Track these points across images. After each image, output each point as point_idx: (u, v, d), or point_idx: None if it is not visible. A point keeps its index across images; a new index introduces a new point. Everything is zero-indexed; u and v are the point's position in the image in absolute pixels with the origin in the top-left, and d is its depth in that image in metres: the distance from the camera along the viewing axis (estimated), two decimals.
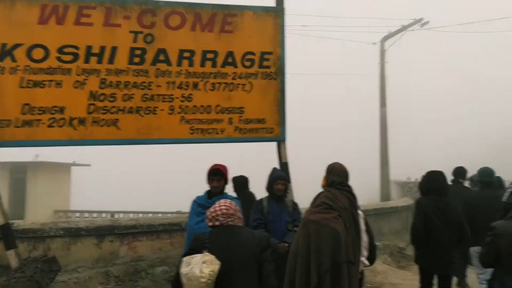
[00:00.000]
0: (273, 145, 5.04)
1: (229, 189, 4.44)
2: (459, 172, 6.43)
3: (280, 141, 4.92)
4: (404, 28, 15.17)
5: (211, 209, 2.54)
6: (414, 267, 8.43)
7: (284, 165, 4.90)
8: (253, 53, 4.73)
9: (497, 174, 5.51)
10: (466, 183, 6.53)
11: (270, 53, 4.80)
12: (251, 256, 2.41)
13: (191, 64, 4.62)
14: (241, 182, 5.08)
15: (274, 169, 4.29)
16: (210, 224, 2.50)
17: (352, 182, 3.26)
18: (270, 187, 4.04)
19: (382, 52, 15.42)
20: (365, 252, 3.08)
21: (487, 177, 5.39)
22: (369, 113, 18.39)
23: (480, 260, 3.39)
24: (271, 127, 4.82)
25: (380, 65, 15.22)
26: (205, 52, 4.65)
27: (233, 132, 4.69)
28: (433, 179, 4.57)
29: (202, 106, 4.62)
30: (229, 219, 2.49)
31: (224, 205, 2.52)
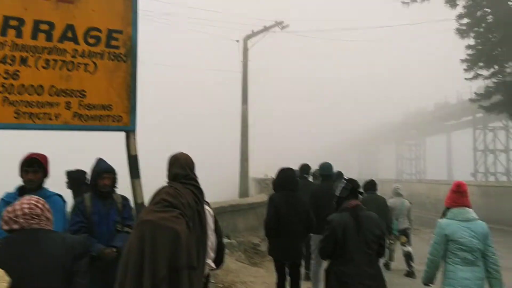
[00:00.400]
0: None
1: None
2: (304, 168, 7.03)
3: (129, 131, 4.35)
4: (265, 29, 15.70)
5: (9, 209, 2.00)
6: (267, 264, 8.65)
7: (133, 158, 4.36)
8: (98, 30, 4.10)
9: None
10: (310, 178, 7.22)
11: (119, 31, 4.23)
12: (58, 268, 1.97)
13: (19, 35, 3.80)
14: (78, 179, 4.36)
15: (99, 160, 3.74)
16: (6, 227, 1.97)
17: (213, 177, 3.01)
18: (94, 182, 3.53)
19: (245, 51, 15.72)
20: (211, 254, 2.82)
21: (326, 171, 6.12)
22: (232, 109, 18.72)
23: (320, 253, 3.61)
24: (118, 115, 4.23)
25: (242, 63, 15.51)
26: (37, 22, 3.86)
27: (71, 118, 3.98)
28: (283, 176, 4.89)
29: (31, 86, 3.83)
30: (34, 221, 1.99)
31: (28, 203, 2.01)
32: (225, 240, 8.91)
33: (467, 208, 3.72)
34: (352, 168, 50.36)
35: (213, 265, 2.86)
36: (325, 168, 6.16)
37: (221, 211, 9.35)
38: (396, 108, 52.79)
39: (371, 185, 6.88)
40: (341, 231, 3.35)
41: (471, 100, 17.85)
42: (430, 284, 3.93)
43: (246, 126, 15.50)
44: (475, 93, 17.78)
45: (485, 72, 16.36)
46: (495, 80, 16.49)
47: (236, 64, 16.00)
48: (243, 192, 15.22)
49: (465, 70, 16.46)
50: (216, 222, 3.00)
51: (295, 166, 6.09)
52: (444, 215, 3.97)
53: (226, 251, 8.19)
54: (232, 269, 7.37)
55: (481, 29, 15.92)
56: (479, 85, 32.29)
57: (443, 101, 37.68)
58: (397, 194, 8.01)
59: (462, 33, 16.48)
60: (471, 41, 16.16)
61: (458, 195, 3.75)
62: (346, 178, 3.86)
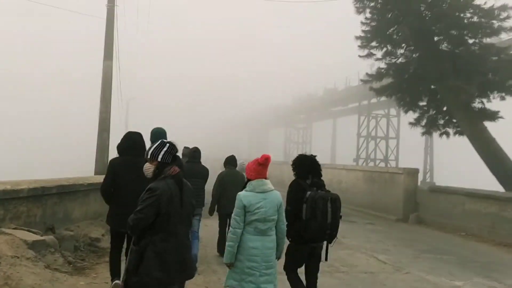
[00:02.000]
0: None
1: None
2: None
3: None
4: None
5: None
6: (103, 268, 6.13)
7: None
8: None
9: None
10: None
11: None
12: None
13: None
14: None
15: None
16: None
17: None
18: None
19: None
20: None
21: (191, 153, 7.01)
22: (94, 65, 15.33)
23: (133, 225, 3.03)
24: None
25: (108, 8, 12.35)
26: None
27: None
28: (128, 139, 4.73)
29: None
30: None
31: None
32: (47, 237, 6.18)
33: (264, 180, 3.90)
34: (241, 149, 49.47)
35: None
36: (190, 149, 7.17)
37: (41, 193, 6.53)
38: (287, 92, 52.99)
39: (231, 160, 7.62)
40: (167, 200, 3.02)
41: (362, 81, 17.06)
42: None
43: (109, 89, 12.44)
44: (367, 73, 16.99)
45: (379, 53, 15.55)
46: (387, 62, 15.78)
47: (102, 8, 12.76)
48: (102, 170, 12.25)
49: (359, 47, 15.43)
50: None
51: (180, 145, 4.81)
52: (243, 187, 3.97)
53: (32, 254, 5.45)
54: (27, 286, 4.70)
55: (378, 5, 14.93)
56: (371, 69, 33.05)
57: (333, 86, 38.02)
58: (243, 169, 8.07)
59: (358, 8, 15.38)
60: (368, 16, 15.11)
61: (263, 168, 3.88)
62: (168, 141, 3.33)
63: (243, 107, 57.24)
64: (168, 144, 3.21)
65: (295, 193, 4.29)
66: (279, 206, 3.92)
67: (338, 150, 47.40)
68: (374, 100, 30.64)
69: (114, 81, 13.24)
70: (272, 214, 3.81)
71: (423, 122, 16.14)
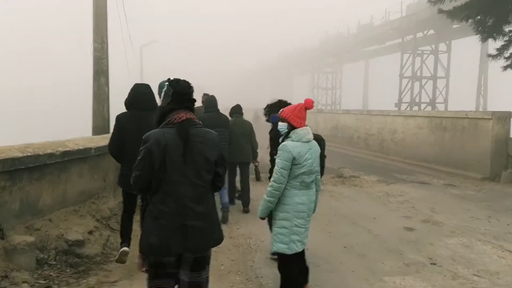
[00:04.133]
0: None
1: None
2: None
3: None
4: None
5: None
6: None
7: None
8: None
9: None
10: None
11: None
12: None
13: None
14: None
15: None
16: None
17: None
18: None
19: None
20: None
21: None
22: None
23: (133, 184, 2.67)
24: None
25: None
26: None
27: None
28: (135, 91, 4.50)
29: None
30: None
31: None
32: None
33: (308, 128, 3.60)
34: (265, 95, 46.19)
35: None
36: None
37: None
38: (314, 33, 48.40)
39: (237, 108, 7.40)
40: (160, 152, 2.50)
41: (430, 1, 13.31)
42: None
43: (104, 16, 9.34)
44: None
45: None
46: None
47: None
48: (100, 128, 9.43)
49: None
50: None
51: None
52: (287, 137, 3.58)
53: None
54: None
55: None
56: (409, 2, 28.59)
57: (367, 22, 33.61)
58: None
59: None
60: None
61: (305, 114, 3.59)
62: (168, 79, 2.74)
63: (266, 50, 53.21)
64: (167, 84, 2.70)
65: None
66: (319, 156, 3.65)
67: (371, 94, 43.63)
68: (420, 35, 26.57)
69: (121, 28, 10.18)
70: (317, 165, 3.60)
71: (508, 53, 12.61)
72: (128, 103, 4.48)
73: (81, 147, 5.58)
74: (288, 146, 3.44)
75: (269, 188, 3.50)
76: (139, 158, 2.58)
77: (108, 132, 9.17)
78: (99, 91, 9.39)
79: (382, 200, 8.44)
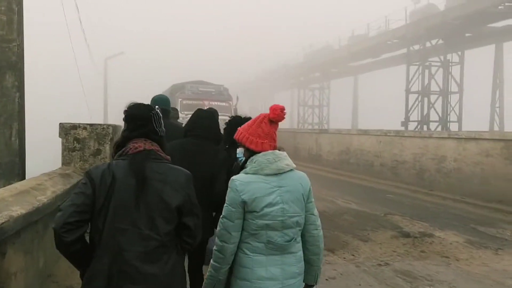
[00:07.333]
0: None
1: None
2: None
3: None
4: None
5: None
6: None
7: None
8: None
9: None
10: None
11: None
12: None
13: None
14: None
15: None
16: None
17: None
18: None
19: None
20: None
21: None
22: None
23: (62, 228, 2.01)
24: None
25: None
26: None
27: None
28: (201, 117, 3.71)
29: None
30: None
31: None
32: None
33: (277, 152, 2.18)
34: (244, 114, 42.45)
35: None
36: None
37: None
38: (296, 46, 45.17)
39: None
40: (104, 191, 1.87)
41: None
42: None
43: None
44: None
45: None
46: None
47: None
48: (7, 165, 5.24)
49: None
50: None
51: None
52: (242, 167, 2.23)
53: None
54: None
55: None
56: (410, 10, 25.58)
57: (363, 33, 30.43)
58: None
59: None
60: None
61: (275, 127, 2.21)
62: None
63: (244, 67, 49.87)
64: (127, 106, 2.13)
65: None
66: (307, 196, 2.18)
67: (362, 111, 40.45)
68: (428, 44, 23.39)
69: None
70: (295, 212, 2.11)
71: None
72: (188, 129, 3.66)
73: None
74: (237, 182, 2.11)
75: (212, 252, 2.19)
76: (75, 191, 1.93)
77: (21, 173, 5.22)
78: (1, 99, 5.18)
79: None
